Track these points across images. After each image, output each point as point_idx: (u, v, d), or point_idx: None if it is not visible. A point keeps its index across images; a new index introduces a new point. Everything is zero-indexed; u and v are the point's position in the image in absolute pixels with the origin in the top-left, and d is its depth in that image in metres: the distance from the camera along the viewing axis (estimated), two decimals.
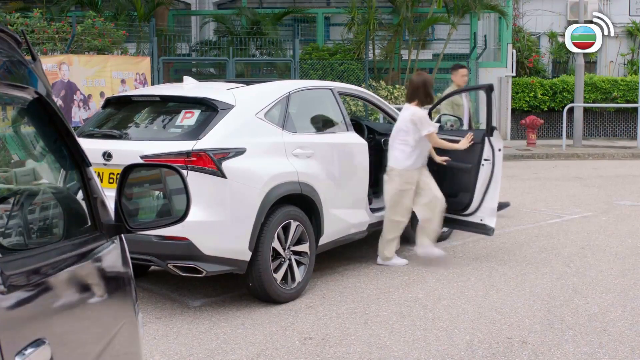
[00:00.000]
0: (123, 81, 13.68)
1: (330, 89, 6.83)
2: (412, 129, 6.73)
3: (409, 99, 6.94)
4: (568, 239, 8.13)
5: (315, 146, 6.19)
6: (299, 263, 5.94)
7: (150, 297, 6.03)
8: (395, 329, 5.16)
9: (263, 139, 5.78)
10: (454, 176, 7.13)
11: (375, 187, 7.72)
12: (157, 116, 6.06)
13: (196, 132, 5.48)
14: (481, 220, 7.00)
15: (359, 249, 7.48)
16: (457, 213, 7.12)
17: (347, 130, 6.75)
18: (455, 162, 7.11)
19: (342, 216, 6.44)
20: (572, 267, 6.90)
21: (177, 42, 18.54)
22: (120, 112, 6.28)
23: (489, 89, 7.06)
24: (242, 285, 5.86)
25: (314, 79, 15.36)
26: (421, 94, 6.86)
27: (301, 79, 15.73)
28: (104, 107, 6.42)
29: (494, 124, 7.03)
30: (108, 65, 13.52)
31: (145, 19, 17.01)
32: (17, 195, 2.44)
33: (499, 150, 7.00)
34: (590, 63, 22.79)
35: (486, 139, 6.96)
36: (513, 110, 20.24)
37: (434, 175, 7.26)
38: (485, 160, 6.94)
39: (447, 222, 7.35)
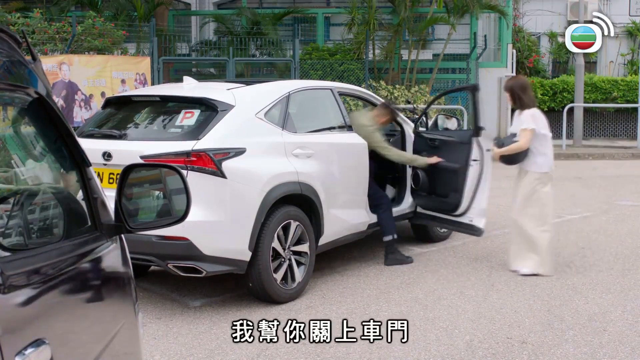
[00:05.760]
0: (123, 81, 13.67)
1: (330, 89, 6.83)
2: None
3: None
4: (568, 239, 8.13)
5: (315, 146, 6.18)
6: (298, 263, 5.94)
7: (150, 297, 6.03)
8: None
9: (263, 139, 5.78)
10: (445, 177, 7.12)
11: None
12: (157, 116, 6.06)
13: (196, 132, 5.48)
14: (470, 220, 6.98)
15: (359, 249, 7.48)
16: (448, 213, 7.11)
17: (347, 130, 6.75)
18: (445, 163, 7.12)
19: (342, 216, 6.44)
20: (572, 267, 6.90)
21: (177, 42, 18.53)
22: (120, 112, 6.28)
23: (473, 89, 7.07)
24: (242, 285, 5.86)
25: (314, 79, 15.35)
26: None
27: (301, 79, 15.72)
28: (104, 107, 6.43)
29: (481, 124, 7.03)
30: (108, 66, 13.52)
31: (145, 19, 17.00)
32: (17, 195, 2.43)
33: (487, 150, 6.99)
34: (590, 63, 22.78)
35: (473, 139, 6.94)
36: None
37: (426, 176, 7.27)
38: (474, 160, 6.93)
39: (439, 221, 7.35)
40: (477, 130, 6.95)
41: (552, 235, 6.68)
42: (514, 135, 6.62)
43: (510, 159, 6.63)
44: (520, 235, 6.61)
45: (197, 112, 5.70)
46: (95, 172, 2.62)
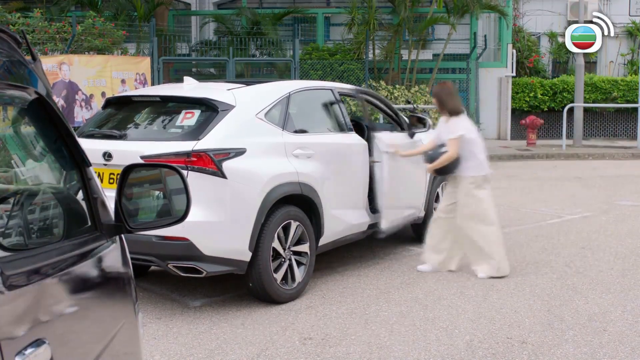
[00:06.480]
0: (123, 81, 13.68)
1: (331, 90, 6.83)
2: None
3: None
4: (568, 239, 8.13)
5: (315, 146, 6.18)
6: (299, 263, 5.94)
7: (150, 297, 6.03)
8: (395, 329, 5.16)
9: (263, 139, 5.78)
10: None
11: None
12: (158, 116, 6.06)
13: (196, 132, 5.49)
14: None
15: (359, 249, 7.48)
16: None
17: (347, 130, 6.76)
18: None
19: (342, 216, 6.44)
20: (572, 267, 6.90)
21: (177, 42, 18.55)
22: (121, 113, 6.28)
23: (356, 91, 7.25)
24: (242, 285, 5.86)
25: (314, 79, 15.37)
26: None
27: (301, 79, 15.73)
28: (104, 107, 6.43)
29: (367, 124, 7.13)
30: (108, 66, 13.53)
31: (145, 19, 17.01)
32: (17, 195, 2.43)
33: (386, 152, 6.99)
34: (590, 63, 22.79)
35: (372, 141, 6.96)
36: (513, 111, 20.26)
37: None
38: (376, 162, 6.92)
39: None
40: (368, 132, 7.02)
41: (499, 234, 6.64)
42: (442, 145, 6.59)
43: (444, 170, 6.65)
44: (470, 242, 6.58)
45: (197, 113, 5.70)
46: (96, 172, 2.62)
